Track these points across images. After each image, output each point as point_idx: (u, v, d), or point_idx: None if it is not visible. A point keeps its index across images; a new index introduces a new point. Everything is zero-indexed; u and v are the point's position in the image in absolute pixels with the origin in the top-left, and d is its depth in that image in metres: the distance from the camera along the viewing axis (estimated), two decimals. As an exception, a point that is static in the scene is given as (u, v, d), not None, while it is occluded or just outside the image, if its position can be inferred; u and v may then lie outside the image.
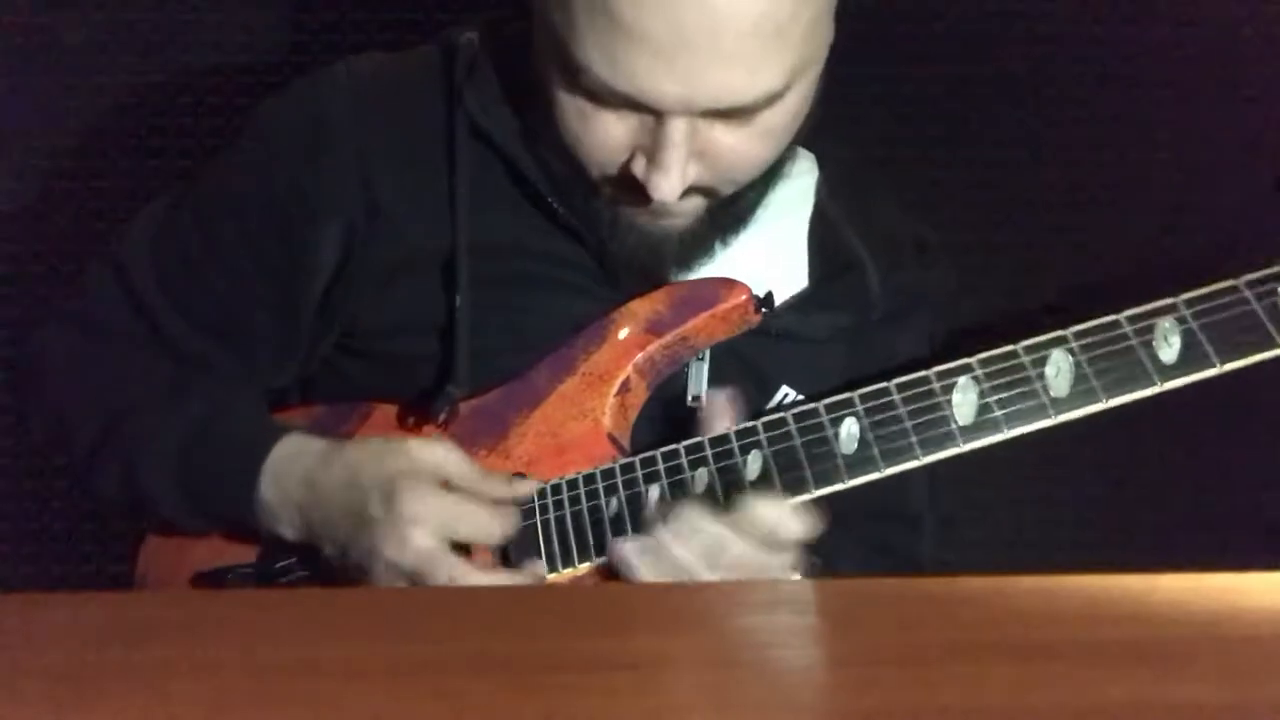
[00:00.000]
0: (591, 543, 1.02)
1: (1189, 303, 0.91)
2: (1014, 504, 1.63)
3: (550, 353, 1.07)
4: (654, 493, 1.01)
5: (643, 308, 1.07)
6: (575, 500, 1.03)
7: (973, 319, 1.24)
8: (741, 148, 0.96)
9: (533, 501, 1.04)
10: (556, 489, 1.04)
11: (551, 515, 1.03)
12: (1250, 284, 0.91)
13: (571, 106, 0.95)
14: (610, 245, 1.03)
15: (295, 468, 1.04)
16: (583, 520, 1.02)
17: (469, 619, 0.63)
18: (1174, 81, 1.55)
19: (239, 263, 1.10)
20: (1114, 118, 1.57)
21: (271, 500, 1.05)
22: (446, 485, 1.00)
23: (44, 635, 0.59)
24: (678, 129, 0.92)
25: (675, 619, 0.64)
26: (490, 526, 0.99)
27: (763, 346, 1.10)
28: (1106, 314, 0.93)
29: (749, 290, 1.05)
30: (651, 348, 1.06)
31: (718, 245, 1.04)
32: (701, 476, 1.00)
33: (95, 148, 1.59)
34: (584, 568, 1.02)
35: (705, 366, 1.09)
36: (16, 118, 1.57)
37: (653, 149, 0.93)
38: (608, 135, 0.95)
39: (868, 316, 1.13)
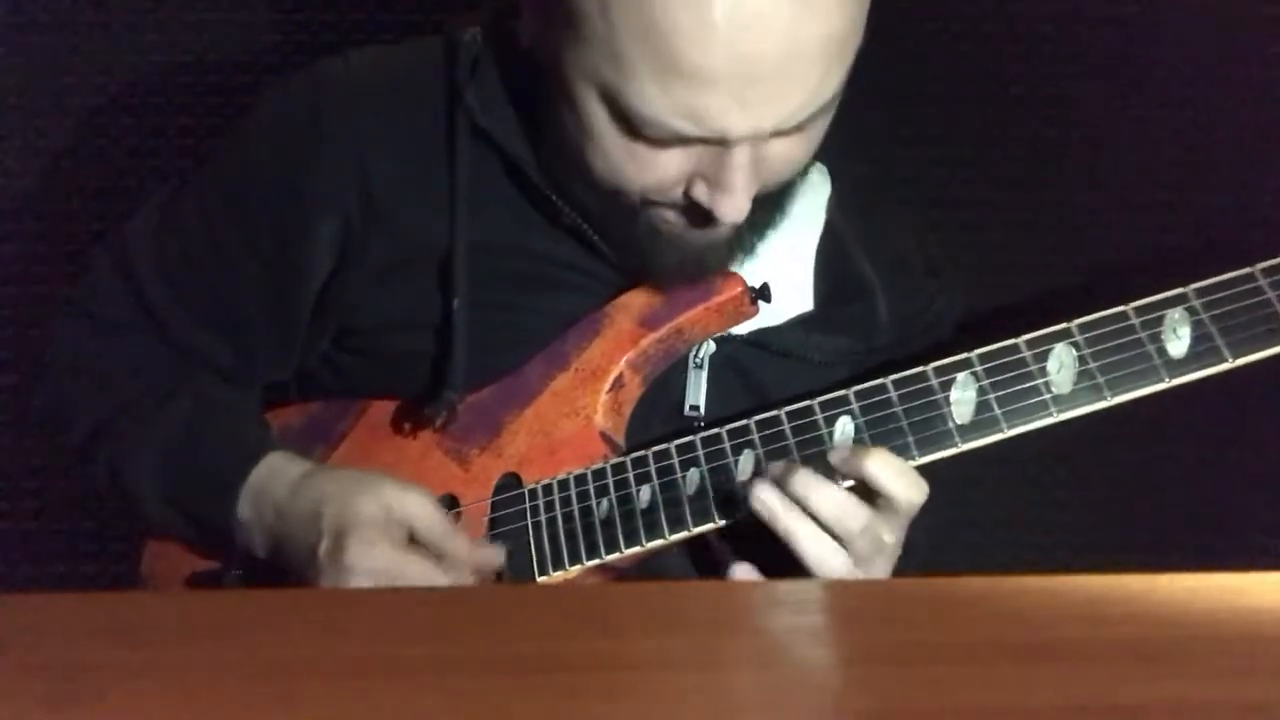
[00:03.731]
0: (582, 545, 1.01)
1: (1200, 292, 0.88)
2: (1014, 504, 1.63)
3: (543, 349, 1.07)
4: (644, 493, 1.00)
5: (636, 301, 1.06)
6: (566, 502, 1.02)
7: (974, 310, 1.23)
8: (794, 153, 0.96)
9: (524, 503, 1.04)
10: (548, 489, 1.03)
11: (543, 517, 1.03)
12: (1266, 271, 0.87)
13: (620, 148, 0.93)
14: (654, 264, 1.02)
15: (271, 492, 1.05)
16: (574, 522, 1.02)
17: (469, 619, 0.63)
18: (1187, 67, 1.55)
19: (236, 256, 1.10)
20: (1125, 102, 1.57)
21: (248, 520, 1.06)
22: (411, 537, 0.99)
23: (44, 635, 0.59)
24: (744, 153, 0.91)
25: (675, 619, 0.64)
26: (434, 584, 0.97)
27: (762, 362, 1.09)
28: (1113, 305, 0.91)
29: (744, 282, 1.04)
30: (645, 342, 1.05)
31: (757, 242, 1.03)
32: (693, 477, 0.99)
33: (95, 147, 1.59)
34: (574, 570, 1.01)
35: (704, 376, 1.08)
36: (17, 117, 1.57)
37: (717, 174, 0.92)
38: (665, 172, 0.94)
39: (873, 343, 1.12)
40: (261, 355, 1.14)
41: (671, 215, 0.98)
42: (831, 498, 0.92)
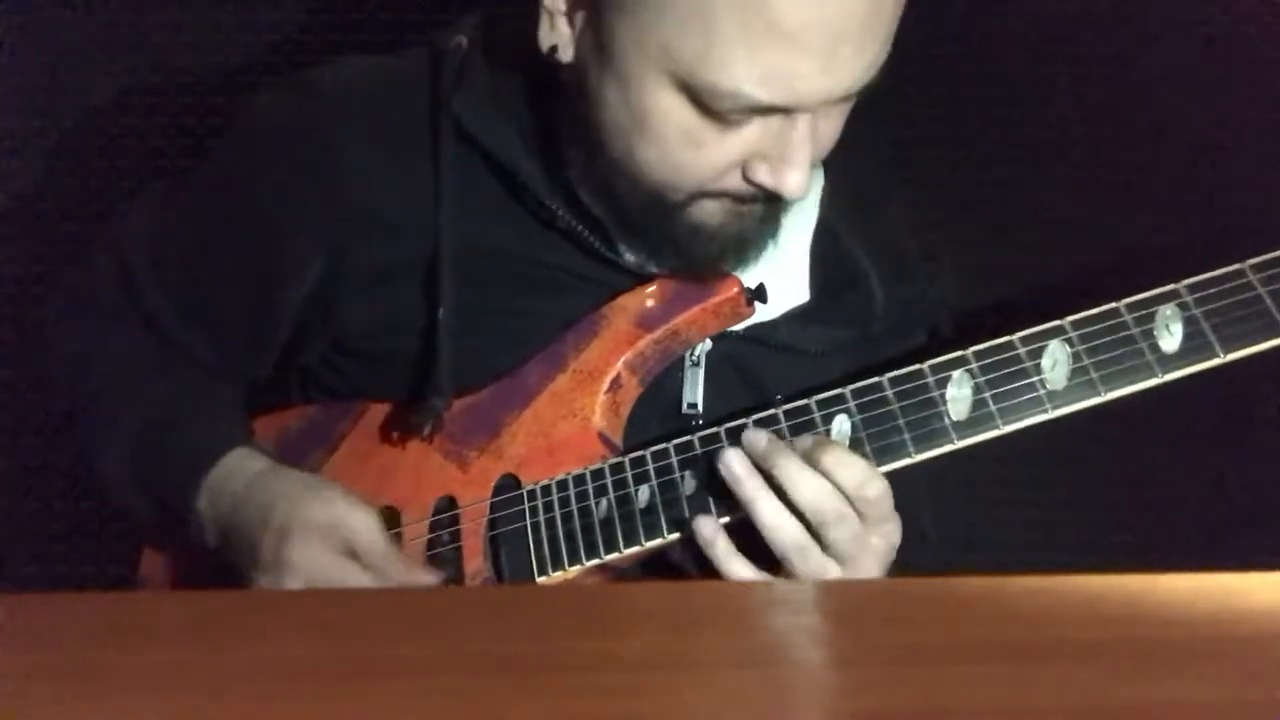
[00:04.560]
0: (582, 546, 1.01)
1: (1192, 288, 0.90)
2: (1015, 504, 1.63)
3: (541, 350, 1.07)
4: (643, 493, 1.00)
5: (633, 302, 1.06)
6: (565, 502, 1.02)
7: (968, 307, 1.23)
8: (835, 127, 0.97)
9: (523, 504, 1.04)
10: (547, 490, 1.03)
11: (541, 518, 1.03)
12: (1256, 268, 0.89)
13: (681, 135, 0.93)
14: (693, 259, 1.02)
15: (228, 488, 1.06)
16: (572, 523, 1.02)
17: (469, 619, 0.63)
18: (1178, 64, 1.55)
19: (220, 258, 1.12)
20: (1119, 101, 1.57)
21: (205, 514, 1.07)
22: (352, 555, 1.00)
23: (44, 635, 0.59)
24: (807, 125, 0.92)
25: (675, 620, 0.64)
26: None
27: (759, 357, 1.09)
28: (1106, 302, 0.92)
29: (740, 283, 1.04)
30: (642, 343, 1.05)
31: (781, 222, 1.03)
32: (691, 477, 0.99)
33: (95, 147, 1.59)
34: (574, 571, 1.02)
35: (700, 374, 1.08)
36: (17, 117, 1.57)
37: (781, 150, 0.92)
38: (725, 156, 0.94)
39: (870, 332, 1.12)
40: (241, 356, 1.15)
41: (715, 206, 0.98)
42: (808, 481, 0.93)
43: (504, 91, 1.06)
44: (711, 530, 0.97)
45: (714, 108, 0.91)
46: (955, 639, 0.58)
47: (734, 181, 0.96)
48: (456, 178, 1.04)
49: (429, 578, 1.03)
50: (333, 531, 1.00)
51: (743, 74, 0.88)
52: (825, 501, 0.92)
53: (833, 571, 0.94)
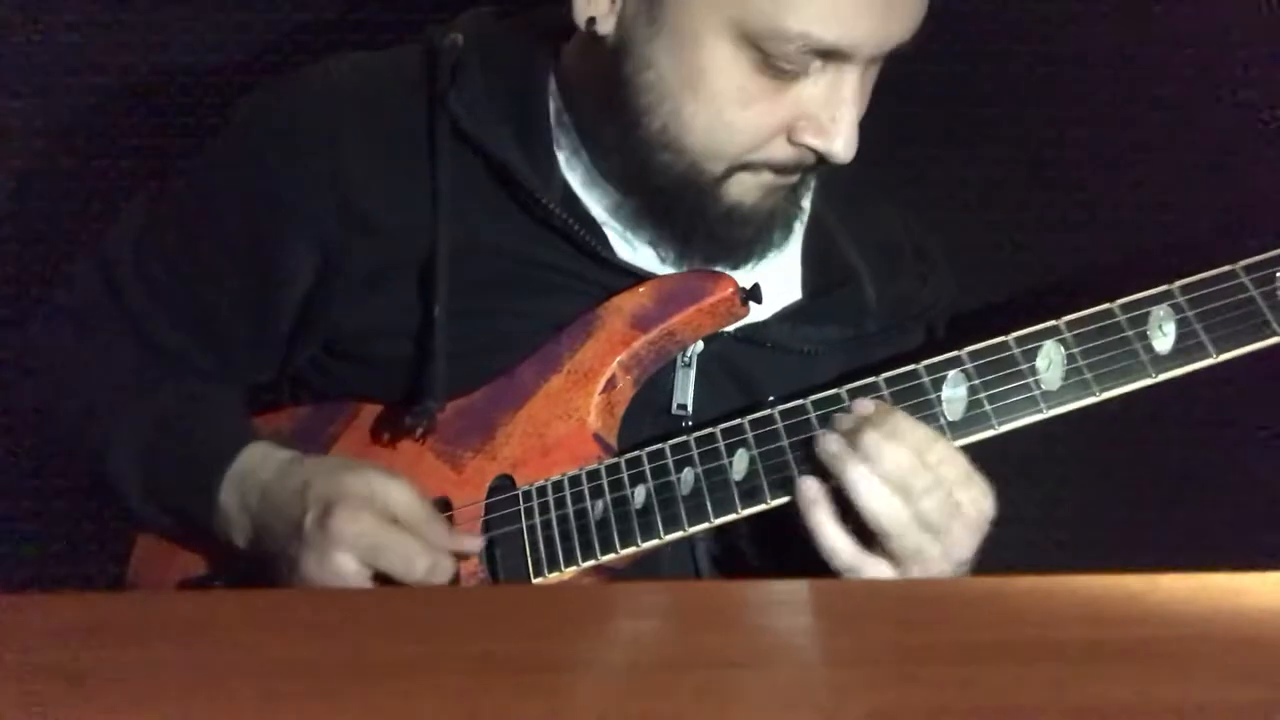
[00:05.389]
0: (578, 546, 1.01)
1: (1185, 289, 0.91)
2: (1014, 504, 1.63)
3: (536, 350, 1.07)
4: (639, 494, 1.00)
5: (628, 303, 1.05)
6: (561, 503, 1.02)
7: (963, 307, 1.23)
8: (867, 94, 0.99)
9: (518, 505, 1.04)
10: (542, 491, 1.03)
11: (538, 519, 1.02)
12: (1248, 269, 0.89)
13: (735, 92, 0.95)
14: (727, 241, 1.03)
15: (256, 476, 1.05)
16: (569, 524, 1.01)
17: (469, 619, 0.63)
18: (1171, 66, 1.55)
19: (214, 262, 1.11)
20: (1114, 103, 1.57)
21: (229, 507, 1.06)
22: (393, 520, 0.99)
23: (44, 635, 0.59)
24: (856, 78, 0.95)
25: (675, 619, 0.64)
26: (414, 562, 0.97)
27: (753, 357, 1.09)
28: (1100, 303, 0.93)
29: (735, 283, 1.04)
30: (637, 344, 1.05)
31: (803, 201, 1.05)
32: (687, 477, 0.99)
33: (94, 147, 1.58)
34: (570, 572, 1.01)
35: (692, 374, 1.07)
36: (16, 118, 1.57)
37: (830, 110, 0.95)
38: (775, 113, 0.96)
39: (863, 330, 1.12)
40: (241, 359, 1.14)
41: (753, 181, 1.00)
42: (889, 452, 0.91)
43: (499, 89, 1.06)
44: (816, 492, 0.93)
45: (775, 54, 0.93)
46: (955, 639, 0.58)
47: (778, 149, 0.98)
48: (452, 176, 1.04)
49: (473, 542, 1.02)
50: (371, 501, 0.99)
51: (809, 15, 0.91)
52: (909, 470, 0.90)
53: (929, 548, 0.91)
